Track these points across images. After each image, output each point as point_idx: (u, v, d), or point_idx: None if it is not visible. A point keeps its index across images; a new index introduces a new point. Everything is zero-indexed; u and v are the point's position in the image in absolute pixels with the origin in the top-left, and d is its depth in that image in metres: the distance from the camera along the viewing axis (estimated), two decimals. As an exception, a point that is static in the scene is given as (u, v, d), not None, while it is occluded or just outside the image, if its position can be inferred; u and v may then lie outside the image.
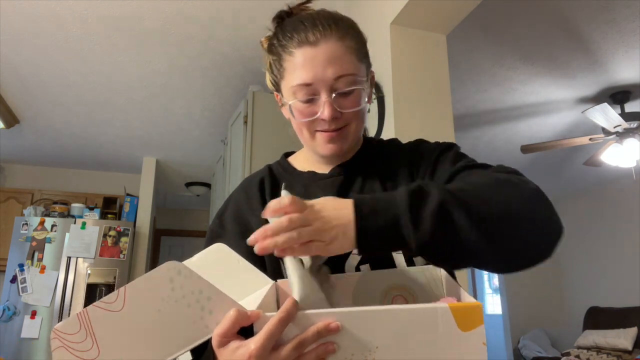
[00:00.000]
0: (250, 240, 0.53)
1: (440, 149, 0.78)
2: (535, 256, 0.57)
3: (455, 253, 0.54)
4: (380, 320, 0.46)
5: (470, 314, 0.45)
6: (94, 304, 0.49)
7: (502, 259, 0.57)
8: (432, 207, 0.53)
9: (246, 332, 0.49)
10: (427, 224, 0.52)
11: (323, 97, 0.70)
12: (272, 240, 0.52)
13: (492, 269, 0.58)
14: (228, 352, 0.48)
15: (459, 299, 0.54)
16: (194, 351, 0.56)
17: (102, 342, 0.49)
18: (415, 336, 0.46)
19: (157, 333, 0.49)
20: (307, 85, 0.70)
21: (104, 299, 0.49)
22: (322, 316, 0.46)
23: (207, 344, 0.52)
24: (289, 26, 0.74)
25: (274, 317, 0.46)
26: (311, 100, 0.71)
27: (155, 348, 0.49)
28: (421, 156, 0.78)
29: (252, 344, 0.46)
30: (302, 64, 0.70)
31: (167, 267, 0.49)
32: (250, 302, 0.54)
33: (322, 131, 0.74)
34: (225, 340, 0.48)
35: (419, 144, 0.83)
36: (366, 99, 0.75)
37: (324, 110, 0.70)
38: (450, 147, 0.79)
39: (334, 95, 0.70)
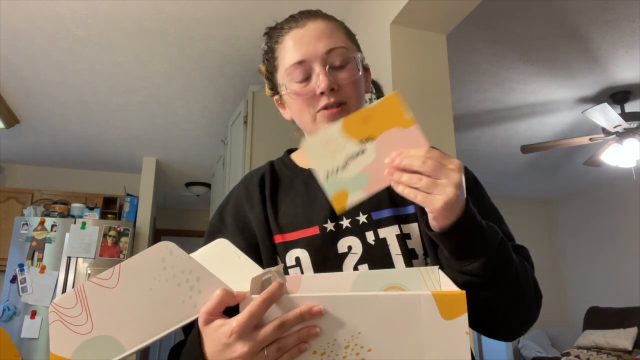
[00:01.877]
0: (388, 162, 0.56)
1: (470, 179, 0.77)
2: (513, 334, 0.67)
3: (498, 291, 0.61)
4: (363, 306, 0.46)
5: (453, 303, 0.45)
6: (91, 279, 0.50)
7: (505, 318, 0.65)
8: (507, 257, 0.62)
9: (233, 314, 0.49)
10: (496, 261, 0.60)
11: (317, 70, 0.71)
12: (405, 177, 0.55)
13: (490, 320, 0.65)
14: (212, 330, 0.49)
15: None
16: (186, 330, 0.56)
17: (96, 317, 0.50)
18: (398, 323, 0.46)
19: (149, 311, 0.50)
20: (300, 63, 0.71)
21: (100, 275, 0.51)
22: (306, 300, 0.47)
23: (197, 322, 0.53)
24: (278, 24, 0.77)
25: (257, 297, 0.47)
26: (307, 78, 0.72)
27: (146, 325, 0.50)
28: None
29: (235, 322, 0.47)
30: (293, 44, 0.72)
31: (159, 247, 0.51)
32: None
33: (323, 110, 0.72)
34: (210, 318, 0.49)
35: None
36: (362, 73, 0.75)
37: (320, 83, 0.70)
38: (479, 183, 0.79)
39: (327, 67, 0.71)
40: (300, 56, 0.71)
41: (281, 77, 0.75)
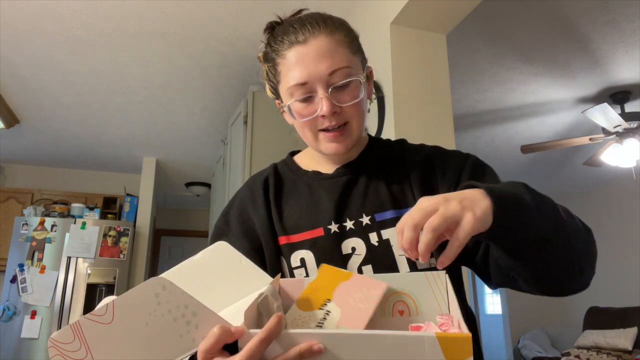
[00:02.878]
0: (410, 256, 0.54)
1: (472, 164, 0.77)
2: (578, 288, 0.65)
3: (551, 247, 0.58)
4: (364, 344, 0.45)
5: (458, 345, 0.44)
6: (85, 315, 0.50)
7: (564, 276, 0.62)
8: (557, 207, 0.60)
9: (232, 346, 0.49)
10: (548, 207, 0.58)
11: (320, 93, 0.70)
12: (421, 249, 0.52)
13: (548, 280, 0.63)
14: None
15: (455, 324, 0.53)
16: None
17: (96, 351, 0.50)
18: None
19: (146, 345, 0.50)
20: (303, 84, 0.70)
21: (95, 311, 0.50)
22: (306, 337, 0.46)
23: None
24: (279, 31, 0.75)
25: (255, 337, 0.46)
26: (309, 98, 0.71)
27: (145, 359, 0.50)
28: (446, 164, 0.77)
29: None
30: (295, 63, 0.71)
31: (152, 283, 0.50)
32: (241, 307, 0.54)
33: (324, 131, 0.73)
34: (208, 356, 0.48)
35: (440, 150, 0.82)
36: (365, 93, 0.75)
37: (322, 106, 0.70)
38: (483, 164, 0.78)
39: (330, 89, 0.70)
40: (303, 78, 0.70)
41: (283, 93, 0.74)
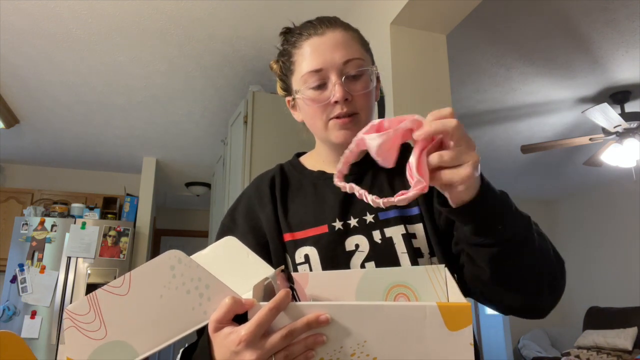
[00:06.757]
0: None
1: None
2: (542, 306, 0.65)
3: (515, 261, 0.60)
4: (369, 315, 0.47)
5: (458, 314, 0.46)
6: (103, 287, 0.52)
7: (527, 294, 0.63)
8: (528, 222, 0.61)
9: (243, 319, 0.50)
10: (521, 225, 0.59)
11: (333, 79, 0.73)
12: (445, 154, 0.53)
13: (510, 298, 0.64)
14: (221, 337, 0.50)
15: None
16: (199, 331, 0.58)
17: (109, 323, 0.52)
18: (403, 333, 0.46)
19: (160, 317, 0.52)
20: (317, 71, 0.73)
21: (112, 283, 0.52)
22: (313, 308, 0.48)
23: (207, 329, 0.53)
24: (297, 28, 0.79)
25: (265, 306, 0.47)
26: (322, 85, 0.74)
27: (158, 331, 0.52)
28: None
29: (243, 330, 0.48)
30: (311, 52, 0.74)
31: (168, 256, 0.52)
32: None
33: (335, 118, 0.75)
34: (219, 325, 0.50)
35: None
36: (374, 87, 0.77)
37: (335, 92, 0.72)
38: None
39: (343, 78, 0.73)
40: (318, 65, 0.73)
41: (296, 82, 0.77)
